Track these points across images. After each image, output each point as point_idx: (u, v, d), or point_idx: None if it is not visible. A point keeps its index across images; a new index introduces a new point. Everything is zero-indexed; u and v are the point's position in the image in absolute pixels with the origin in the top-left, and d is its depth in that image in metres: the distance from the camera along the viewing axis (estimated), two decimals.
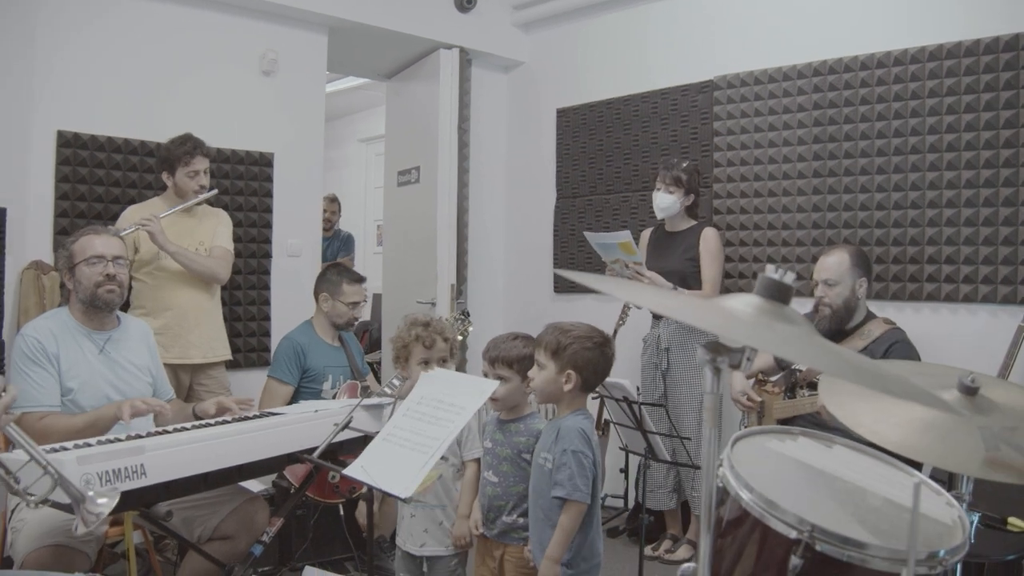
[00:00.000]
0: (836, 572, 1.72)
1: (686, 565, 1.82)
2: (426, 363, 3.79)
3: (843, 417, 2.13)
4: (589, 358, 3.13)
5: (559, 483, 3.04)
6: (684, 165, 5.31)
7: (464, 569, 3.65)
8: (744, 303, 1.47)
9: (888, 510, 1.99)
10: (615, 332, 5.88)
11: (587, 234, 5.36)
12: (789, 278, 1.48)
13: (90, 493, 2.27)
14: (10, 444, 2.53)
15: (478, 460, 3.57)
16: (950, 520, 1.99)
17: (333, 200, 8.54)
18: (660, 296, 1.49)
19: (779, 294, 1.47)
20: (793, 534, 1.76)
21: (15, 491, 2.32)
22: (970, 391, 2.11)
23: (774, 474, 2.05)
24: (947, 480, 2.25)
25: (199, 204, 5.03)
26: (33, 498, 2.29)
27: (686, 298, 1.57)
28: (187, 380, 4.97)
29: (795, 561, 1.73)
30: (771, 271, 1.48)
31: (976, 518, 2.32)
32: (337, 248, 8.56)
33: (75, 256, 3.75)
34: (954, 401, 2.12)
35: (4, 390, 2.58)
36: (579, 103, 6.81)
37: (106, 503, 2.28)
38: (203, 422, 3.52)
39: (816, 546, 1.74)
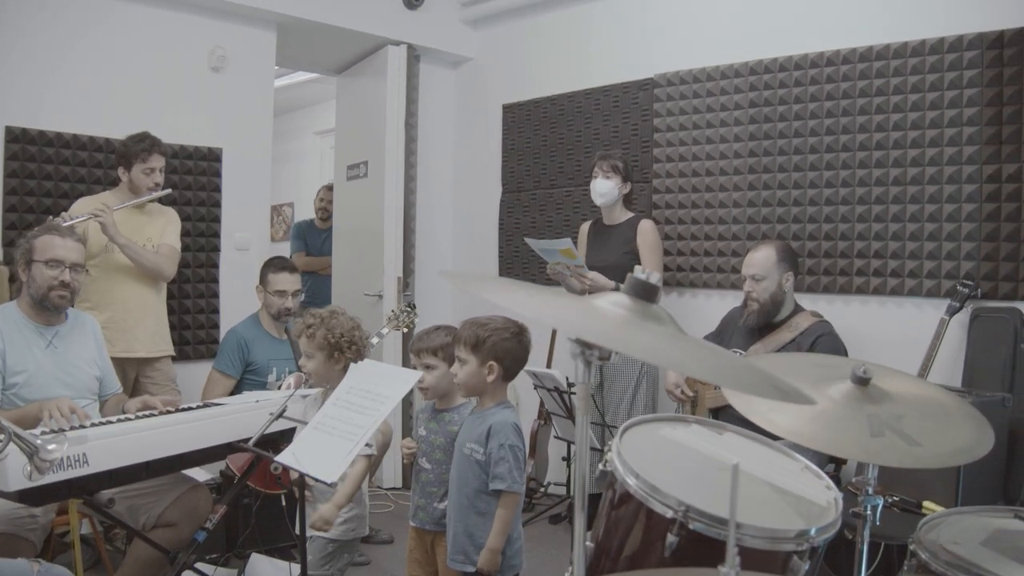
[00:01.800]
0: (710, 549, 1.85)
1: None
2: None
3: (740, 406, 2.27)
4: (508, 348, 3.26)
5: (499, 476, 3.16)
6: (619, 154, 5.46)
7: (348, 560, 3.70)
8: (612, 302, 1.60)
9: (766, 492, 2.13)
10: None
11: (528, 240, 5.44)
12: (654, 278, 1.60)
13: (39, 442, 2.37)
14: None
15: (367, 457, 3.58)
16: (825, 502, 2.13)
17: (331, 188, 8.03)
18: (531, 298, 1.61)
19: (645, 293, 1.60)
20: (670, 514, 1.90)
21: None
22: (862, 381, 2.24)
23: (660, 459, 2.18)
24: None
25: (151, 202, 5.08)
26: None
27: (558, 300, 1.68)
28: (133, 374, 5.01)
29: (671, 538, 1.86)
30: (638, 271, 1.60)
31: (880, 502, 2.44)
32: None
33: (35, 252, 3.81)
34: (847, 391, 2.26)
35: None
36: (524, 99, 6.92)
37: (56, 448, 2.40)
38: (146, 412, 3.60)
39: (690, 525, 1.87)
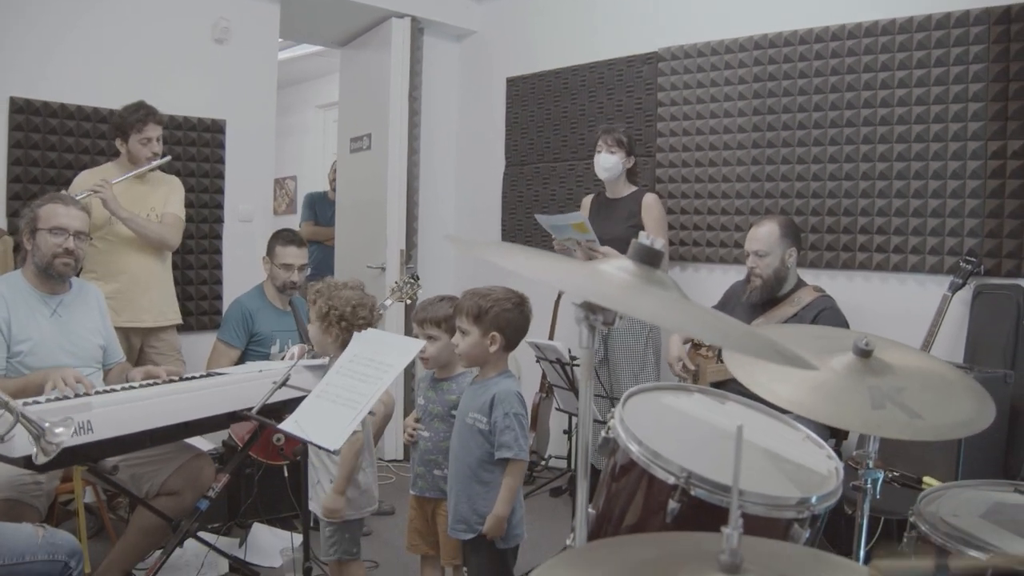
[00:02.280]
0: (711, 516, 1.86)
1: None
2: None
3: (742, 377, 2.27)
4: (510, 318, 3.27)
5: (505, 445, 3.18)
6: (623, 128, 5.45)
7: (350, 540, 3.61)
8: (617, 267, 1.60)
9: (767, 460, 2.14)
10: (559, 297, 6.01)
11: (539, 217, 5.38)
12: (658, 244, 1.61)
13: (46, 424, 2.39)
14: None
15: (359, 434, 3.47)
16: (826, 471, 2.14)
17: None
18: (536, 262, 1.62)
19: (650, 258, 1.60)
20: (672, 480, 1.91)
21: None
22: (864, 353, 2.24)
23: (663, 427, 2.19)
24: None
25: (151, 171, 5.07)
26: None
27: (563, 264, 1.72)
28: (138, 343, 5.02)
29: (673, 505, 1.87)
30: (642, 237, 1.61)
31: (880, 476, 2.45)
32: None
33: (39, 220, 3.82)
34: (849, 363, 2.26)
35: None
36: (529, 72, 6.90)
37: (63, 432, 2.40)
38: (150, 381, 3.62)
39: (692, 491, 1.88)
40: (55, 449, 2.39)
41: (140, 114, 4.95)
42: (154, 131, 5.00)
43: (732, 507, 1.19)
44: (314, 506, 3.60)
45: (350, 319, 3.70)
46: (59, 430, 2.39)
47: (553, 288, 5.84)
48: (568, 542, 2.18)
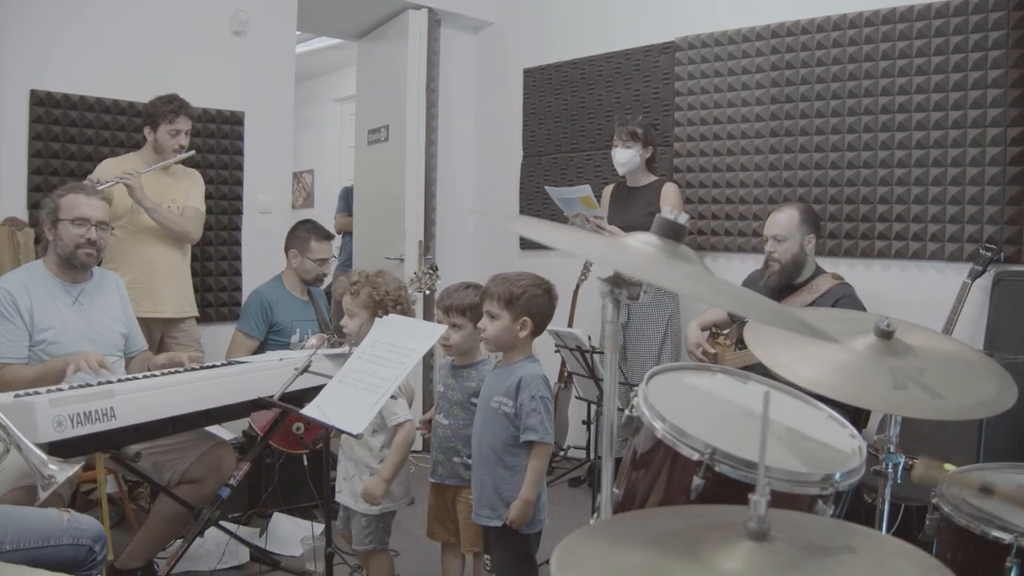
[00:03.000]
0: (735, 492, 1.85)
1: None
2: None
3: (764, 358, 2.27)
4: (541, 304, 3.29)
5: (531, 428, 3.19)
6: (639, 119, 5.47)
7: (384, 535, 3.61)
8: (642, 241, 1.61)
9: (790, 438, 2.14)
10: (578, 286, 6.01)
11: (548, 188, 5.48)
12: (682, 219, 1.62)
13: (43, 456, 2.38)
14: None
15: (403, 424, 3.47)
16: (849, 449, 2.14)
17: None
18: (562, 234, 1.62)
19: (674, 233, 1.61)
20: (696, 456, 1.91)
21: None
22: (885, 335, 2.24)
23: (686, 405, 2.19)
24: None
25: (176, 163, 5.11)
26: None
27: (589, 236, 1.74)
28: (158, 334, 5.04)
29: (697, 481, 1.87)
30: (666, 212, 1.61)
31: (902, 460, 2.46)
32: None
33: (60, 211, 3.83)
34: (870, 344, 2.26)
35: None
36: (545, 63, 6.90)
37: (57, 470, 2.37)
38: (172, 369, 3.64)
39: (716, 467, 1.88)
40: (50, 484, 2.37)
41: (173, 105, 5.00)
42: (184, 124, 5.04)
43: (759, 473, 1.20)
44: (343, 498, 3.60)
45: (404, 303, 3.77)
46: (52, 467, 2.37)
47: (571, 278, 5.86)
48: (592, 523, 2.19)
